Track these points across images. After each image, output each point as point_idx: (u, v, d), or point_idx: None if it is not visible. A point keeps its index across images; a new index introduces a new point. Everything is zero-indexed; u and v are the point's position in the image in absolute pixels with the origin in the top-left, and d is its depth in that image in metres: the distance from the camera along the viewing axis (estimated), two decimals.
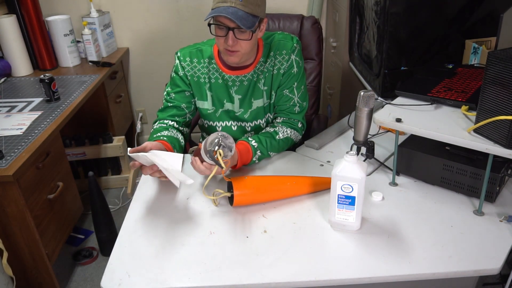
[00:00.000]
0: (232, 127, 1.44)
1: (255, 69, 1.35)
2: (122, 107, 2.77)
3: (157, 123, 1.40)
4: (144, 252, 0.98)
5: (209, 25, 1.22)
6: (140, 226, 1.07)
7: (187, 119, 1.44)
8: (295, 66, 1.37)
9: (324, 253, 0.96)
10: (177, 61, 1.38)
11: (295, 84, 1.39)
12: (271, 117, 1.46)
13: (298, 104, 1.41)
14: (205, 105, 1.41)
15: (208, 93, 1.39)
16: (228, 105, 1.41)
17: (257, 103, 1.40)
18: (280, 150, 1.36)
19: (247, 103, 1.40)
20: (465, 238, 0.99)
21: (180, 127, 1.41)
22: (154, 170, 1.15)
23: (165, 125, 1.38)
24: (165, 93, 1.41)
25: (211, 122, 1.45)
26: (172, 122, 1.39)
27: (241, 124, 1.44)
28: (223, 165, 1.08)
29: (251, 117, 1.42)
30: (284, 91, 1.39)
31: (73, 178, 1.94)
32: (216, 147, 1.08)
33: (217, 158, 1.08)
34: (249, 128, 1.45)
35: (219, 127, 1.45)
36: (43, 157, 1.63)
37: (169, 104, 1.39)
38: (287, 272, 0.91)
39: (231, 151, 1.11)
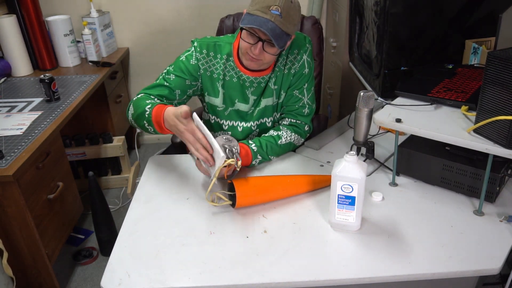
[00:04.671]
0: (238, 127, 1.43)
1: (272, 71, 1.35)
2: (122, 107, 2.77)
3: (141, 94, 1.30)
4: (144, 252, 0.98)
5: (241, 29, 1.21)
6: (140, 226, 1.07)
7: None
8: (306, 66, 1.37)
9: (324, 253, 0.96)
10: (192, 49, 1.33)
11: (306, 85, 1.39)
12: (277, 116, 1.45)
13: (307, 106, 1.40)
14: (216, 101, 1.38)
15: (220, 90, 1.36)
16: (239, 105, 1.39)
17: (266, 102, 1.39)
18: (280, 154, 1.36)
19: (257, 102, 1.39)
20: (465, 238, 0.99)
21: None
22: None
23: (151, 99, 1.28)
24: (165, 70, 1.34)
25: (218, 119, 1.43)
26: (158, 101, 1.28)
27: (248, 124, 1.42)
28: (216, 174, 1.07)
29: (258, 116, 1.41)
30: (294, 92, 1.38)
31: (73, 178, 1.94)
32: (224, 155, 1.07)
33: (226, 166, 1.08)
34: (255, 127, 1.43)
35: (225, 126, 1.43)
36: (43, 157, 1.63)
37: (165, 83, 1.31)
38: (287, 272, 0.91)
39: (233, 153, 1.12)
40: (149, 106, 1.20)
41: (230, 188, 1.12)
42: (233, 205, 1.11)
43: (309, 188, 1.17)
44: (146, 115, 1.19)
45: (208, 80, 1.36)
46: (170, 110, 1.13)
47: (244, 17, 1.20)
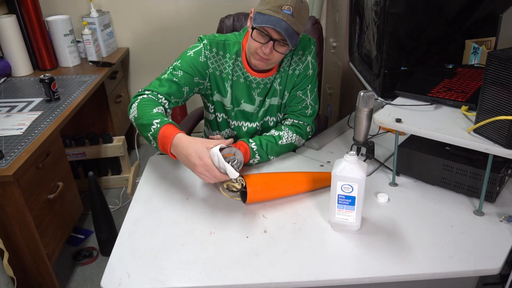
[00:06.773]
0: (243, 127, 1.43)
1: (277, 71, 1.35)
2: (122, 107, 2.77)
3: (147, 92, 1.25)
4: (144, 252, 0.98)
5: (253, 28, 1.20)
6: (140, 226, 1.07)
7: (179, 104, 1.32)
8: (310, 68, 1.37)
9: (324, 253, 0.96)
10: (201, 46, 1.29)
11: (309, 86, 1.39)
12: (281, 117, 1.45)
13: (310, 107, 1.40)
14: (225, 101, 1.37)
15: (229, 90, 1.35)
16: (245, 106, 1.38)
17: (271, 102, 1.39)
18: (280, 154, 1.35)
19: (262, 102, 1.39)
20: (465, 238, 0.99)
21: (166, 112, 1.25)
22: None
23: (157, 100, 1.24)
24: (172, 66, 1.29)
25: (226, 117, 1.42)
26: (165, 101, 1.25)
27: (253, 125, 1.42)
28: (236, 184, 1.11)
29: (263, 115, 1.41)
30: (298, 93, 1.38)
31: (73, 178, 1.94)
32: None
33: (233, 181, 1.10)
34: (259, 127, 1.44)
35: (231, 125, 1.43)
36: (43, 157, 1.63)
37: (173, 79, 1.26)
38: (287, 272, 0.91)
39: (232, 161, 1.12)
40: (157, 120, 1.14)
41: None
42: (243, 200, 1.12)
43: (319, 185, 1.17)
44: (152, 129, 1.14)
45: (217, 79, 1.34)
46: (184, 140, 1.09)
47: (255, 17, 1.18)
